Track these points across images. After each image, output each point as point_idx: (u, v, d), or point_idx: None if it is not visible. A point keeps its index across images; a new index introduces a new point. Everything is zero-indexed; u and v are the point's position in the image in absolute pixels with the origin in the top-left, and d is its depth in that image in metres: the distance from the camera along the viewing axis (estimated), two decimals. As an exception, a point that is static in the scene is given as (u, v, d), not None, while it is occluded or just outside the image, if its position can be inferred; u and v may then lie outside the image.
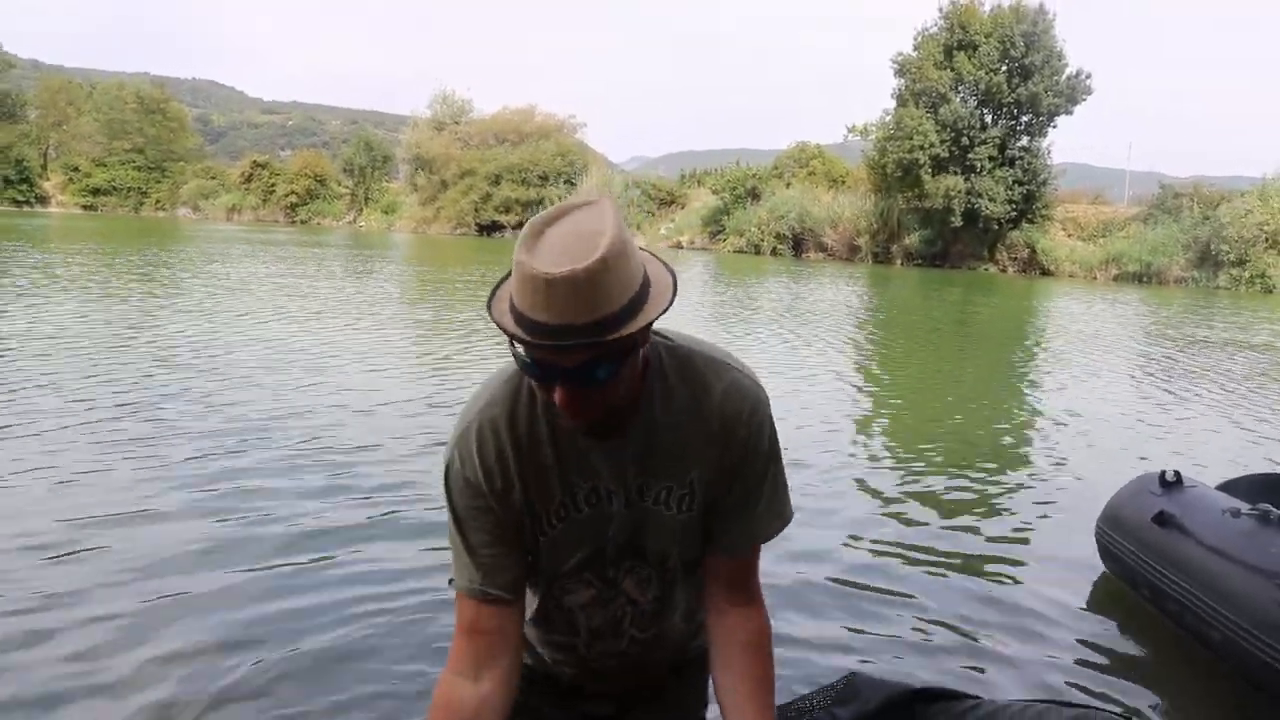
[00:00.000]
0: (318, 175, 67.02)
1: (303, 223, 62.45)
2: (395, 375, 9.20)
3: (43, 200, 71.68)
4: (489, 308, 1.57)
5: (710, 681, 1.92)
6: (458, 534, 1.76)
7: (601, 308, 1.46)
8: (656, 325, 1.65)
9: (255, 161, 71.68)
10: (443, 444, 2.00)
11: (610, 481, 1.76)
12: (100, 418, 6.68)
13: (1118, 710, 1.96)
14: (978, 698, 2.05)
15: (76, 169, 74.03)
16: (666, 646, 2.02)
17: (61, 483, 5.23)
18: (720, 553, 1.86)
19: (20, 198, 69.48)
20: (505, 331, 1.50)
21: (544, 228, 1.52)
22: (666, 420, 1.74)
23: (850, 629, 3.93)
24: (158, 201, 72.26)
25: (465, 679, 1.73)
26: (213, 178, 73.36)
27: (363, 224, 61.72)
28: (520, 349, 1.53)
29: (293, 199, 65.48)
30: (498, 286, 1.60)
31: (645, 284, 1.54)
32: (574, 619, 1.93)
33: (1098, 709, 1.98)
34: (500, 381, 1.76)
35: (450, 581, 1.81)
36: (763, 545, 1.89)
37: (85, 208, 70.72)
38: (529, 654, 2.00)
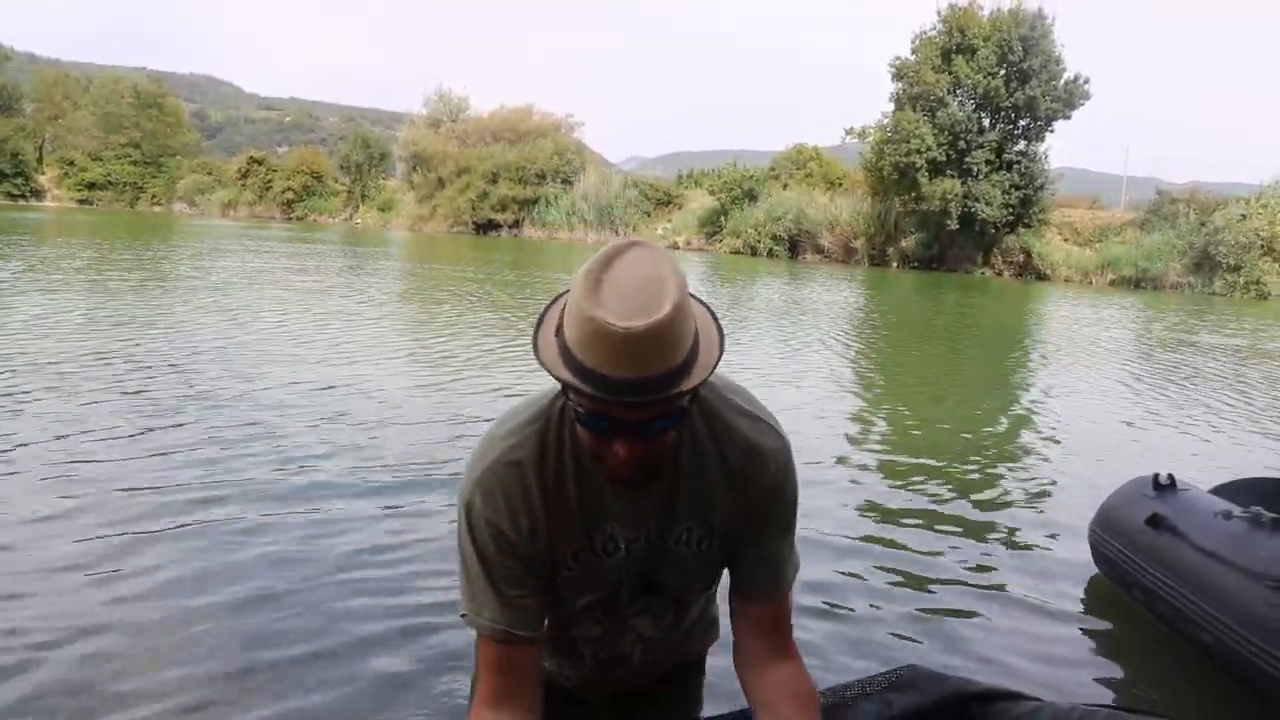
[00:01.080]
0: (314, 172, 66.78)
1: (299, 219, 62.28)
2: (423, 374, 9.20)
3: (38, 194, 71.38)
4: (538, 354, 1.52)
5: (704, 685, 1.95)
6: (481, 575, 1.70)
7: (674, 358, 1.44)
8: None
9: (252, 157, 71.44)
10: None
11: (629, 529, 1.74)
12: (110, 424, 6.68)
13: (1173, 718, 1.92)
14: (1038, 700, 2.01)
15: (72, 163, 73.72)
16: (673, 659, 2.05)
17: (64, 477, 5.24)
18: (754, 601, 1.84)
19: (15, 191, 69.21)
20: (574, 389, 1.47)
21: (600, 274, 1.45)
22: (690, 467, 1.72)
23: (832, 628, 3.95)
24: (154, 196, 72.03)
25: (493, 713, 1.72)
26: (209, 173, 73.06)
27: (359, 221, 61.54)
28: (582, 403, 1.49)
29: (289, 195, 65.24)
30: (539, 327, 1.56)
31: (695, 327, 1.51)
32: (580, 649, 1.94)
33: (1156, 715, 1.96)
34: (526, 418, 1.70)
35: (463, 616, 1.75)
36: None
37: (81, 202, 70.44)
38: None
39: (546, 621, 1.84)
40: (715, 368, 1.52)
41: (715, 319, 1.59)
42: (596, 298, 1.42)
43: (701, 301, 1.62)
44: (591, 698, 2.06)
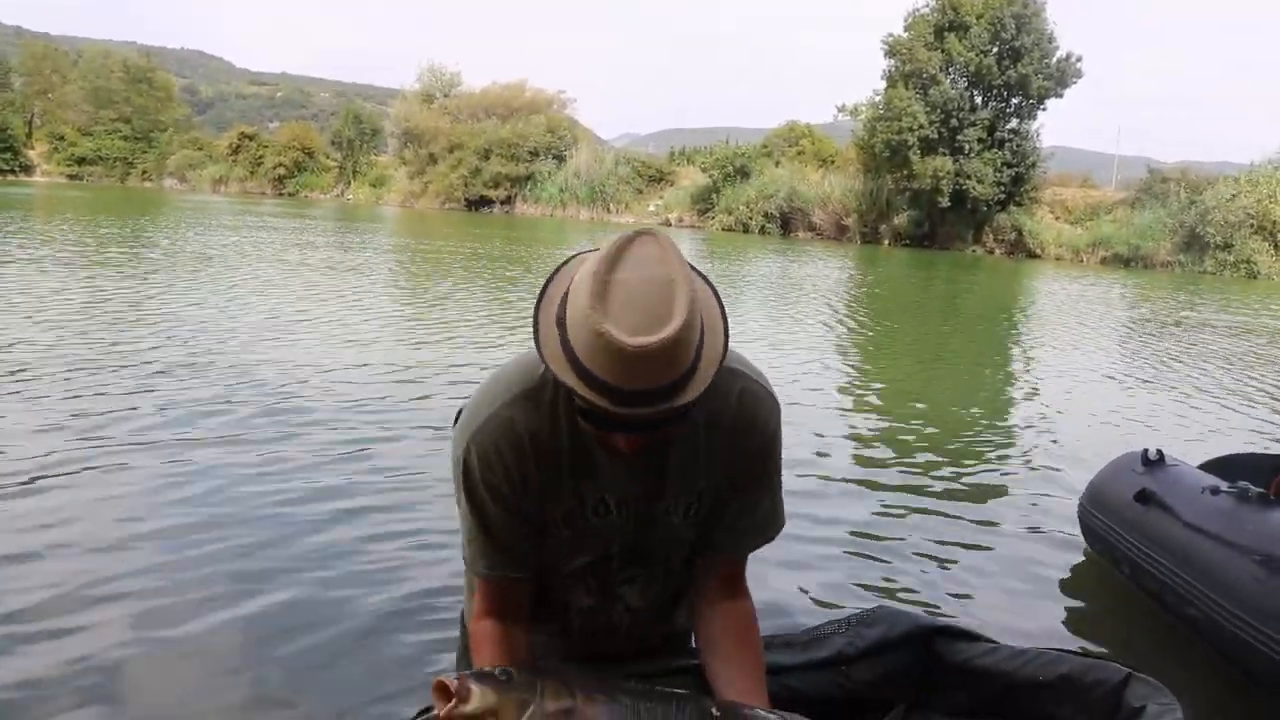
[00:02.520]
0: (306, 148, 66.46)
1: (290, 195, 61.99)
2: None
3: (27, 169, 70.89)
4: (539, 346, 1.54)
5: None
6: (475, 522, 1.76)
7: (681, 367, 1.46)
8: None
9: (243, 133, 71.06)
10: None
11: (621, 493, 1.77)
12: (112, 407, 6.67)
13: (1125, 664, 2.01)
14: (995, 642, 2.12)
15: (62, 138, 73.18)
16: (660, 633, 2.06)
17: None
18: (721, 555, 1.89)
19: (4, 166, 68.72)
20: (583, 399, 1.49)
21: (608, 276, 1.44)
22: (681, 434, 1.74)
23: (815, 596, 3.97)
24: (144, 172, 71.52)
25: (492, 621, 1.82)
26: (200, 148, 72.59)
27: (350, 197, 61.29)
28: (585, 406, 1.52)
29: (280, 171, 64.92)
30: (539, 309, 1.57)
31: (701, 322, 1.52)
32: (569, 619, 1.96)
33: (1106, 660, 2.05)
34: (519, 378, 1.73)
35: (464, 559, 1.85)
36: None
37: (71, 177, 69.93)
38: None
39: (536, 587, 1.88)
40: (721, 363, 1.54)
41: (719, 299, 1.61)
42: (604, 307, 1.42)
43: (704, 277, 1.63)
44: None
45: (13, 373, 6.88)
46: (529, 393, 1.70)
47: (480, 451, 1.70)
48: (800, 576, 4.11)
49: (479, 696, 1.49)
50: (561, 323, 1.51)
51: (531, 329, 1.56)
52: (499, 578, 1.78)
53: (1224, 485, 3.78)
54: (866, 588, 4.14)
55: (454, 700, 1.48)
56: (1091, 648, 3.76)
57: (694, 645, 1.98)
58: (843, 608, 3.61)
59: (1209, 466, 4.30)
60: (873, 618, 2.18)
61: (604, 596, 1.92)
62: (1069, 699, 2.01)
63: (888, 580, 4.25)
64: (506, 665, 1.62)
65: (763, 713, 1.70)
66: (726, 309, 1.64)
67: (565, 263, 1.63)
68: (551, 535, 1.80)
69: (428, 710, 1.72)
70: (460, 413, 1.82)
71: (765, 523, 1.89)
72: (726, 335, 1.58)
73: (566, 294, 1.53)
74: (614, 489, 1.77)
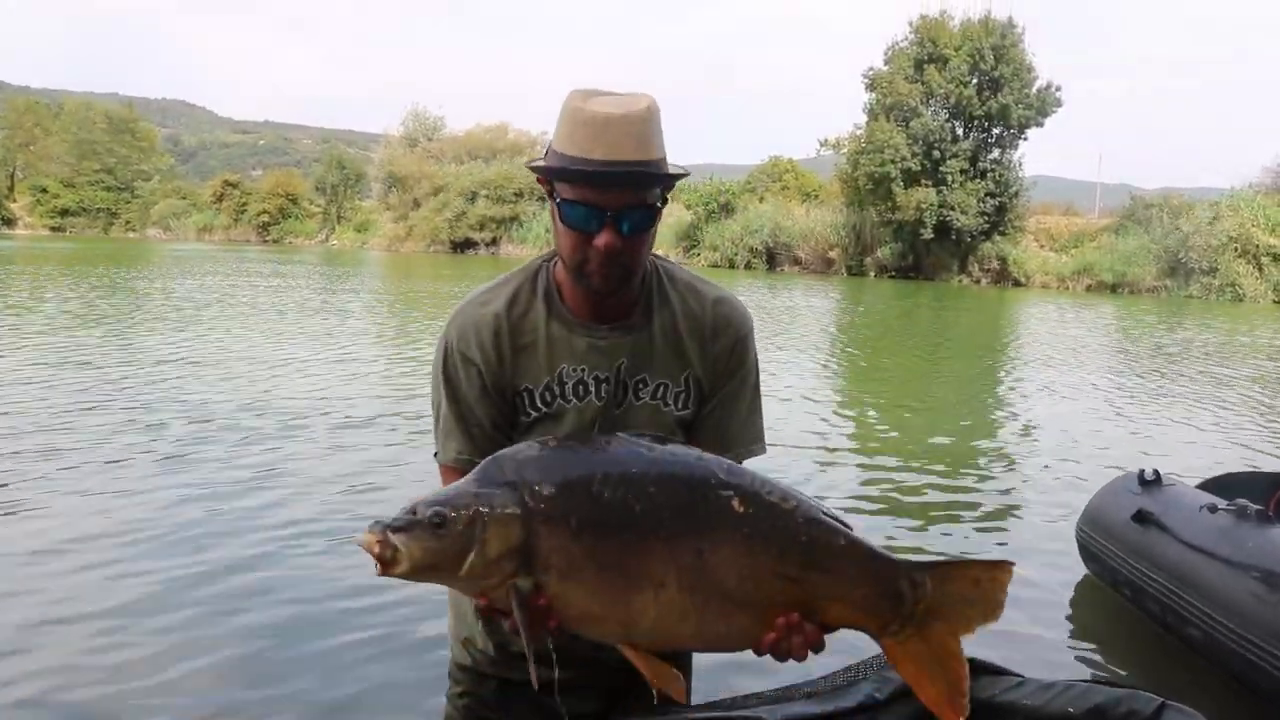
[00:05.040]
0: (290, 194, 66.51)
1: (275, 242, 62.00)
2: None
3: (9, 222, 70.76)
4: (533, 168, 1.69)
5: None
6: (449, 408, 1.81)
7: (650, 151, 1.61)
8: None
9: (226, 181, 71.17)
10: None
11: (599, 370, 1.81)
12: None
13: (1156, 693, 1.95)
14: (1020, 676, 2.07)
15: (44, 190, 73.10)
16: None
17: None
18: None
19: (-14, 220, 68.75)
20: (561, 173, 1.62)
21: (588, 95, 1.63)
22: (661, 320, 1.85)
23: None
24: (128, 222, 71.45)
25: None
26: (183, 197, 72.64)
27: (335, 242, 61.30)
28: (567, 195, 1.63)
29: (265, 218, 64.94)
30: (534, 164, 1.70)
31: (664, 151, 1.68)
32: None
33: (1138, 690, 1.98)
34: (502, 278, 1.87)
35: (435, 456, 1.85)
36: None
37: (53, 229, 69.81)
38: (495, 648, 1.94)
39: None
40: (682, 176, 1.71)
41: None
42: (584, 102, 1.62)
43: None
44: (571, 679, 1.95)
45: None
46: (510, 285, 1.84)
47: (459, 332, 1.80)
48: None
49: (408, 556, 1.36)
50: (548, 155, 1.69)
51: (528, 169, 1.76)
52: (466, 464, 1.70)
53: (1222, 503, 3.75)
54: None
55: (380, 566, 1.36)
56: (1099, 673, 3.72)
57: None
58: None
59: (1207, 486, 4.27)
60: None
61: None
62: None
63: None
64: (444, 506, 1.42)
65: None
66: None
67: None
68: (529, 416, 1.82)
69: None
70: None
71: (746, 425, 1.93)
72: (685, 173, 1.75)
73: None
74: (598, 368, 1.81)
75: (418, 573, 1.40)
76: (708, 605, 1.49)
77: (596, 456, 1.52)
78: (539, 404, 1.82)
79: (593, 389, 1.82)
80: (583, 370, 1.81)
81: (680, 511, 1.48)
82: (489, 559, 1.41)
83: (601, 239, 1.64)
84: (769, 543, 1.50)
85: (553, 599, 1.46)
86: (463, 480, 1.48)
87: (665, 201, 1.73)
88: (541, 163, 1.67)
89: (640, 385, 1.84)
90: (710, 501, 1.49)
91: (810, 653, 1.54)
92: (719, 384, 1.89)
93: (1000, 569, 1.57)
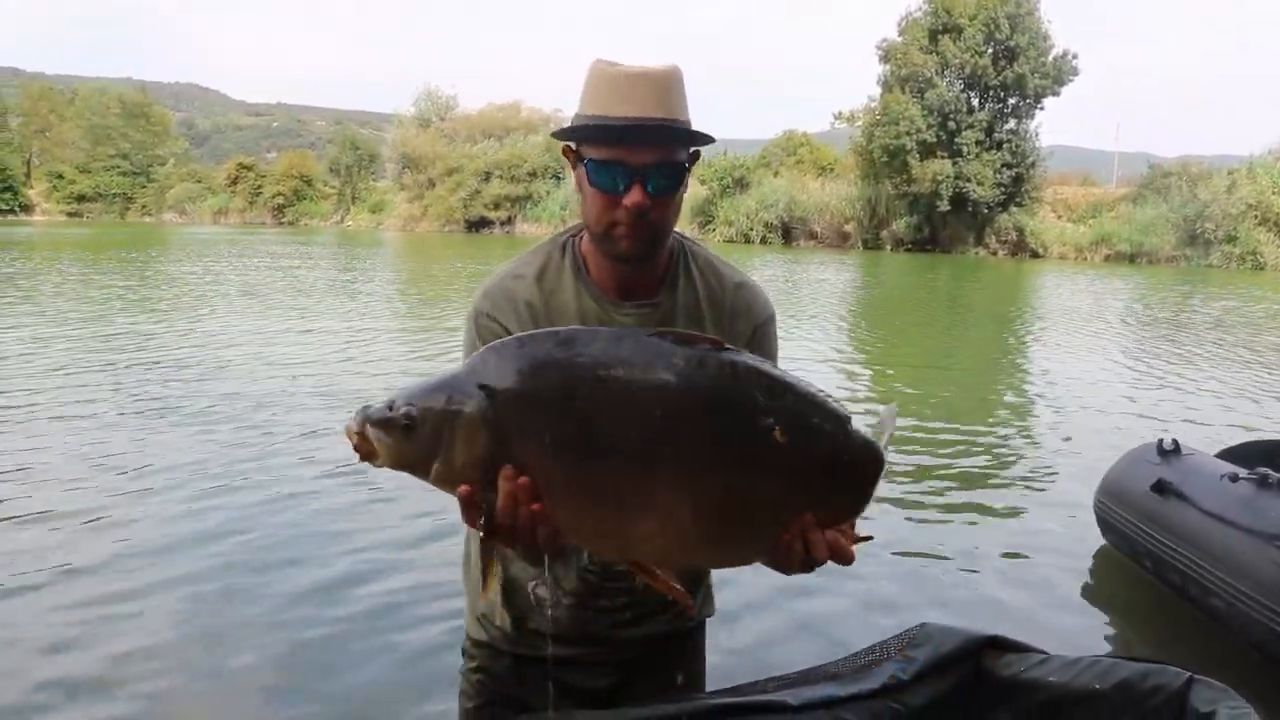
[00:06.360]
0: (304, 176, 66.55)
1: (290, 224, 62.10)
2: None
3: (27, 209, 71.05)
4: (557, 135, 1.71)
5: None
6: None
7: (675, 110, 1.62)
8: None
9: (240, 164, 71.23)
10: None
11: None
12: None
13: (1183, 667, 1.91)
14: (1045, 651, 2.05)
15: (60, 176, 73.28)
16: (665, 614, 1.95)
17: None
18: None
19: (4, 206, 68.90)
20: (587, 130, 1.62)
21: (613, 62, 1.65)
22: (685, 298, 1.83)
23: (843, 597, 3.89)
24: (144, 206, 71.64)
25: None
26: (198, 181, 72.79)
27: (350, 223, 61.33)
28: (595, 155, 1.62)
29: (279, 200, 65.03)
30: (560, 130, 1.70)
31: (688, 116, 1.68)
32: (568, 553, 1.87)
33: (1164, 664, 1.95)
34: (531, 251, 1.87)
35: None
36: None
37: (70, 215, 70.05)
38: (511, 623, 1.92)
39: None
40: (708, 140, 1.66)
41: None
42: (608, 66, 1.64)
43: None
44: (583, 656, 1.94)
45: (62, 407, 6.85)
46: (540, 258, 1.84)
47: (491, 302, 1.79)
48: (822, 596, 4.03)
49: (382, 453, 1.32)
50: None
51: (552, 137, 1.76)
52: None
53: (1243, 472, 3.70)
54: (891, 601, 4.05)
55: (360, 457, 1.33)
56: (1120, 646, 3.69)
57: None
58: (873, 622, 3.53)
59: (1226, 455, 4.21)
60: (919, 637, 2.10)
61: None
62: (1128, 707, 1.92)
63: (911, 589, 4.16)
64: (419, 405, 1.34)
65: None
66: None
67: None
68: None
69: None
70: None
71: None
72: (711, 139, 1.69)
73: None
74: None
75: (395, 468, 1.34)
76: (726, 532, 1.36)
77: (594, 363, 1.33)
78: None
79: None
80: None
81: (704, 440, 1.31)
82: (454, 466, 1.32)
83: (630, 198, 1.62)
84: (811, 476, 1.35)
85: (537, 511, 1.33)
86: (449, 375, 1.38)
87: (694, 161, 1.71)
88: (580, 120, 1.65)
89: None
90: (746, 432, 1.31)
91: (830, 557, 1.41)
92: None
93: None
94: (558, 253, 1.84)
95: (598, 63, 1.65)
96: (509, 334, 1.69)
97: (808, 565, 1.41)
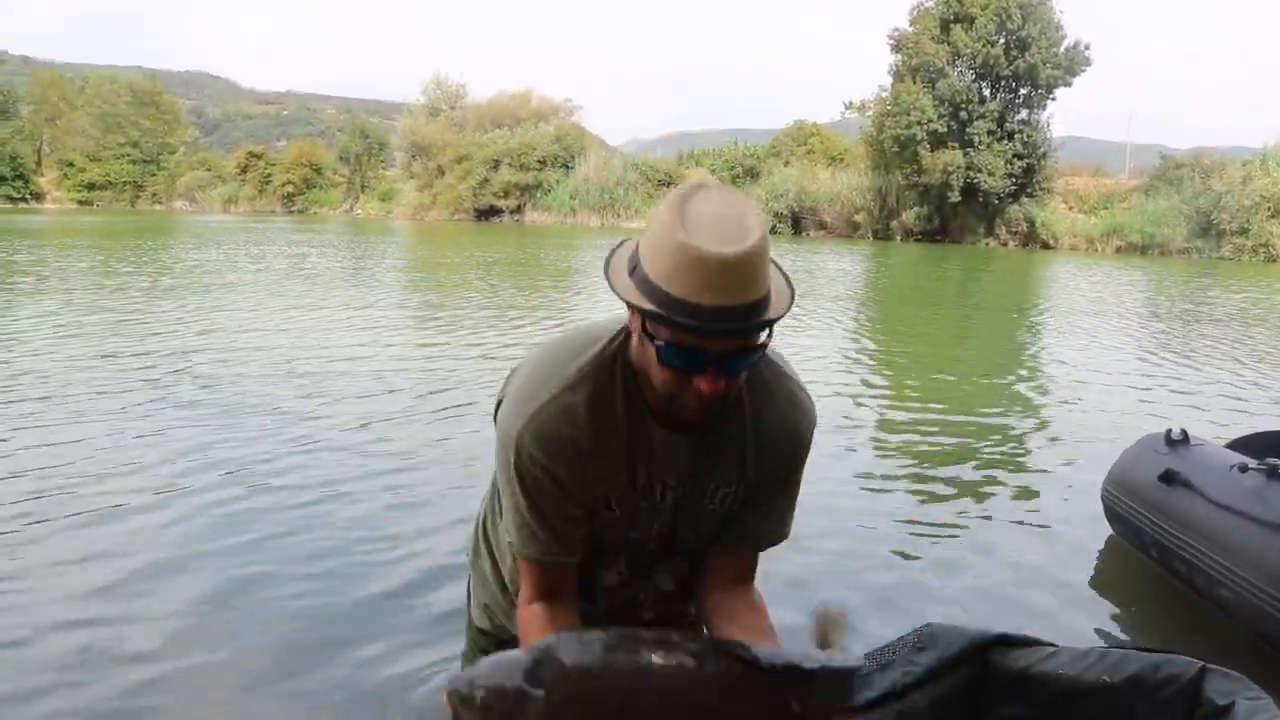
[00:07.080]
0: (314, 164, 66.61)
1: (300, 212, 62.13)
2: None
3: (38, 197, 71.11)
4: (616, 291, 1.54)
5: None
6: (527, 510, 1.73)
7: (760, 288, 1.47)
8: None
9: (250, 152, 71.36)
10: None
11: (669, 474, 1.76)
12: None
13: (1194, 657, 1.91)
14: (1054, 644, 2.05)
15: (71, 164, 73.33)
16: (680, 611, 2.02)
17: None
18: (733, 551, 1.88)
19: (15, 195, 68.98)
20: (664, 321, 1.46)
21: (683, 207, 1.49)
22: (726, 423, 1.74)
23: (847, 589, 3.88)
24: (154, 195, 71.78)
25: (543, 605, 1.77)
26: (208, 169, 72.93)
27: (360, 212, 61.36)
28: (669, 339, 1.49)
29: (289, 189, 65.08)
30: (609, 275, 1.58)
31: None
32: (596, 591, 1.93)
33: (1176, 654, 1.95)
34: (577, 364, 1.70)
35: (510, 544, 1.80)
36: None
37: (81, 203, 70.09)
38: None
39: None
40: (791, 304, 1.56)
41: (777, 264, 1.60)
42: (684, 228, 1.44)
43: None
44: None
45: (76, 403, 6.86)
46: (590, 376, 1.68)
47: (537, 438, 1.67)
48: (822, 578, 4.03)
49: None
50: (636, 270, 1.52)
51: (605, 279, 1.57)
52: (550, 563, 1.75)
53: (1252, 462, 3.68)
54: (895, 599, 4.05)
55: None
56: (1128, 636, 3.68)
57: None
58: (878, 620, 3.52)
59: (1235, 445, 4.20)
60: (925, 640, 2.10)
61: (634, 575, 1.92)
62: (1140, 699, 1.91)
63: (915, 584, 4.16)
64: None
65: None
66: None
67: (619, 244, 1.65)
68: (601, 515, 1.78)
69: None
70: (502, 397, 1.80)
71: (779, 524, 1.88)
72: (790, 285, 1.59)
73: (635, 255, 1.55)
74: (668, 471, 1.75)
75: None
76: None
77: (640, 683, 1.44)
78: (613, 506, 1.78)
79: (665, 493, 1.78)
80: (657, 474, 1.76)
81: None
82: None
83: (704, 382, 1.52)
84: None
85: None
86: (519, 666, 1.43)
87: (771, 336, 1.58)
88: (635, 291, 1.51)
89: (706, 490, 1.80)
90: None
91: None
92: (766, 486, 1.82)
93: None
94: (607, 377, 1.69)
95: (673, 220, 1.47)
96: (559, 482, 1.69)
97: None
